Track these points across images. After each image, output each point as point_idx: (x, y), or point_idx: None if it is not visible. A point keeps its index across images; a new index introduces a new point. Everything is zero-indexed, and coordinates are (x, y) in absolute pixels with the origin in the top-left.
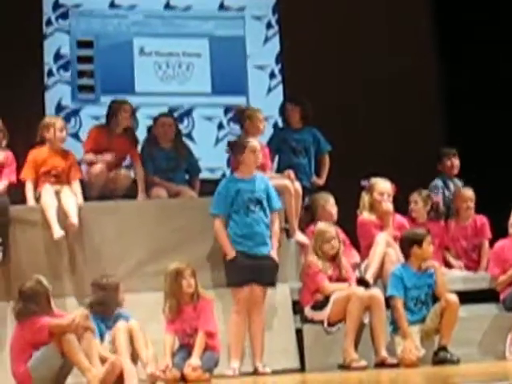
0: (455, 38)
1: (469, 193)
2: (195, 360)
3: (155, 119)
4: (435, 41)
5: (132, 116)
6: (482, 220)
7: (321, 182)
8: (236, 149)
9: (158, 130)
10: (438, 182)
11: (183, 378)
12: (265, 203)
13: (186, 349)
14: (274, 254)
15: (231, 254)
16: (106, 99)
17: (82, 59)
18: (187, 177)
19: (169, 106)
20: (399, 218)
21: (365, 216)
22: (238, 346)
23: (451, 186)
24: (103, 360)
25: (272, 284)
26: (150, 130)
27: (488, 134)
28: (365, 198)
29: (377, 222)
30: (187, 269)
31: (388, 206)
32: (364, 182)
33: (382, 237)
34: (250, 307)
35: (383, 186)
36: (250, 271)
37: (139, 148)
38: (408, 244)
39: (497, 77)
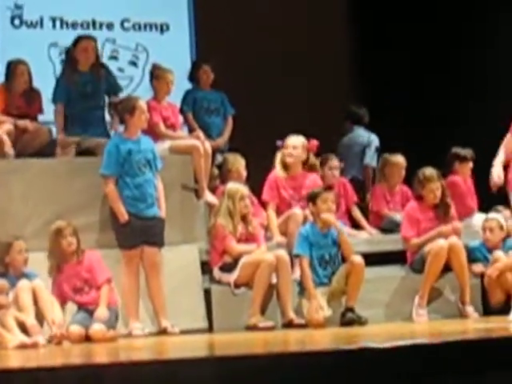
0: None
1: (402, 160)
2: (102, 310)
3: (76, 42)
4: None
5: (30, 74)
6: (408, 191)
7: (221, 141)
8: (124, 109)
9: (80, 54)
10: (372, 136)
11: (88, 337)
12: (152, 164)
13: (84, 308)
14: (162, 213)
15: (124, 216)
16: None
17: None
18: (107, 99)
19: None
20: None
21: (278, 173)
22: (134, 307)
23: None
24: (20, 323)
25: (161, 244)
26: (68, 52)
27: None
28: (277, 155)
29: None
30: (67, 227)
31: (288, 160)
32: (278, 142)
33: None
34: (146, 269)
35: (293, 141)
36: (141, 233)
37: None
38: (307, 202)
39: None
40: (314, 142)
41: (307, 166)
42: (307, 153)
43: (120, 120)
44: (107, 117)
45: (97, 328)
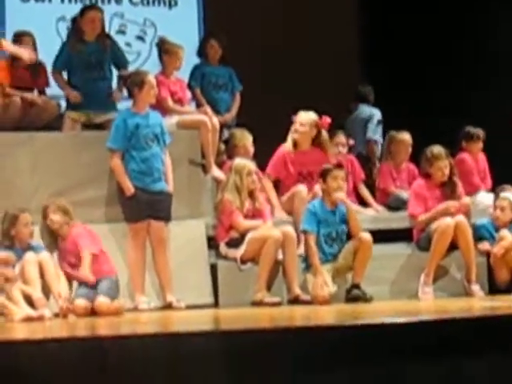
0: None
1: (408, 138)
2: (83, 270)
3: (83, 12)
4: None
5: (35, 46)
6: (414, 169)
7: (229, 117)
8: (133, 83)
9: (86, 25)
10: (374, 110)
11: (93, 311)
12: (160, 138)
13: (84, 283)
14: (170, 188)
15: (130, 190)
16: None
17: None
18: (115, 71)
19: None
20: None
21: (286, 145)
22: (139, 281)
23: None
24: (26, 296)
25: (168, 219)
26: (74, 21)
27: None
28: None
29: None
30: (50, 206)
31: (294, 136)
32: (294, 117)
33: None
34: (152, 243)
35: (301, 117)
36: (147, 207)
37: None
38: (319, 179)
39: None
40: (327, 119)
41: (316, 142)
42: (318, 129)
43: (128, 94)
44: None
45: (101, 300)
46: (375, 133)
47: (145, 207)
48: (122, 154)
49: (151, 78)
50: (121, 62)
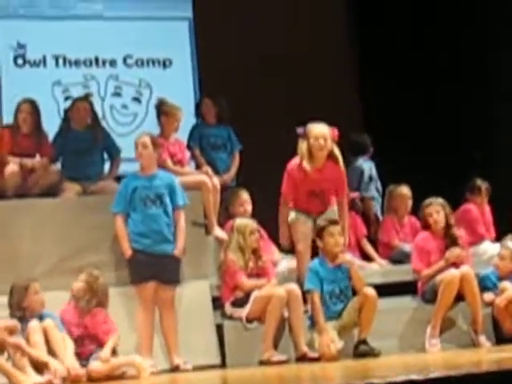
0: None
1: (407, 192)
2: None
3: (72, 104)
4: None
5: (35, 114)
6: (416, 222)
7: (228, 177)
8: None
9: (73, 114)
10: (364, 164)
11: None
12: (166, 200)
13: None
14: (178, 251)
15: (127, 252)
16: None
17: None
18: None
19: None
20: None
21: (305, 165)
22: (147, 344)
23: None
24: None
25: (176, 282)
26: (66, 112)
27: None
28: (302, 145)
29: None
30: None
31: (319, 154)
32: (300, 130)
33: None
34: (159, 306)
35: (318, 131)
36: (148, 269)
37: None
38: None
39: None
40: (336, 131)
41: (330, 156)
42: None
43: None
44: None
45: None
46: (367, 190)
47: (146, 269)
48: (125, 217)
49: (141, 140)
50: (113, 152)
